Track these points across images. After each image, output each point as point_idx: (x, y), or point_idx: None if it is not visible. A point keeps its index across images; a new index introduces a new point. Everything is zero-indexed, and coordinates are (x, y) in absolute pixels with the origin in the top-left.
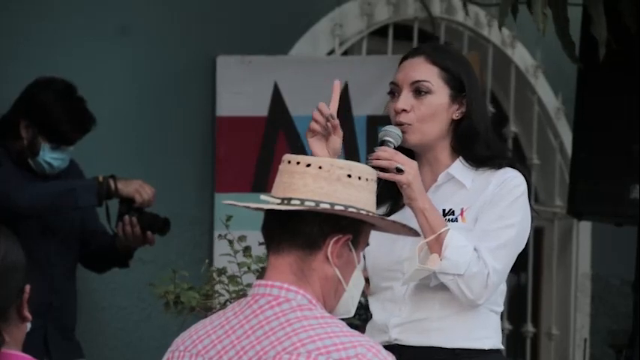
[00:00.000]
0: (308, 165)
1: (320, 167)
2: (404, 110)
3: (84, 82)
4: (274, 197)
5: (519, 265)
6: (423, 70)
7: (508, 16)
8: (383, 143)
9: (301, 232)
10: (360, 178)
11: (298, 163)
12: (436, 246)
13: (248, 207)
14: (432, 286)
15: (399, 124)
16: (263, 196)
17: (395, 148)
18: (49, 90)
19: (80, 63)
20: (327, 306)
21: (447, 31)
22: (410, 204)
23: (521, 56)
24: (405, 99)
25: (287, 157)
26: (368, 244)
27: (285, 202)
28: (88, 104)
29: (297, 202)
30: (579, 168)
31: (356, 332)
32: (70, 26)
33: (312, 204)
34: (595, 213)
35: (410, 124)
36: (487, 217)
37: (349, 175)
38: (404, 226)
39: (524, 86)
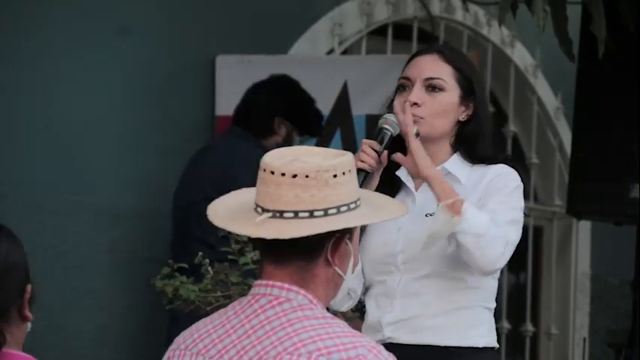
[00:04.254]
0: (294, 176)
1: (307, 176)
2: (415, 104)
3: (84, 82)
4: (261, 207)
5: (519, 265)
6: (438, 68)
7: (508, 13)
8: (380, 131)
9: (299, 241)
10: (344, 173)
11: (283, 174)
12: (454, 211)
13: (253, 235)
14: (450, 251)
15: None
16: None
17: (393, 137)
18: (298, 88)
19: (80, 63)
20: (328, 300)
21: (447, 31)
22: (425, 174)
23: (520, 56)
24: (418, 93)
25: (268, 166)
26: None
27: (277, 214)
28: (87, 104)
29: (290, 215)
30: (578, 167)
31: (357, 333)
32: (70, 26)
33: (306, 214)
34: (594, 212)
35: (421, 117)
36: (493, 199)
37: (335, 176)
38: (393, 202)
39: (524, 86)
